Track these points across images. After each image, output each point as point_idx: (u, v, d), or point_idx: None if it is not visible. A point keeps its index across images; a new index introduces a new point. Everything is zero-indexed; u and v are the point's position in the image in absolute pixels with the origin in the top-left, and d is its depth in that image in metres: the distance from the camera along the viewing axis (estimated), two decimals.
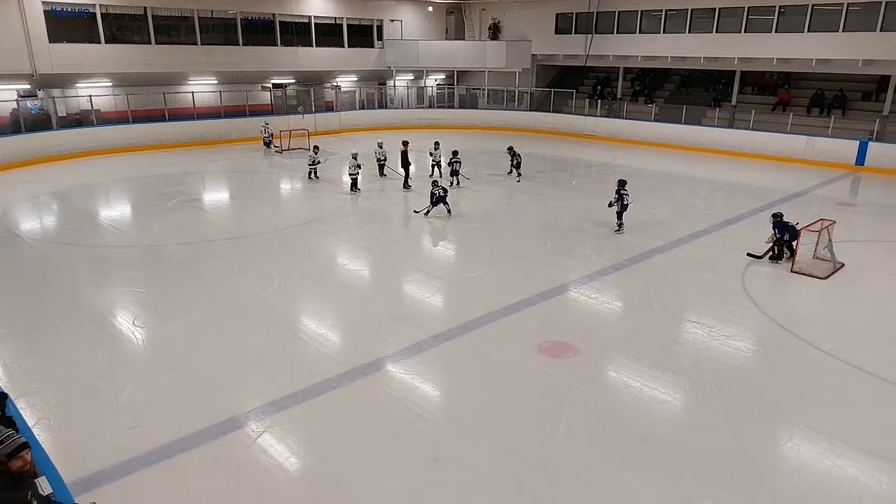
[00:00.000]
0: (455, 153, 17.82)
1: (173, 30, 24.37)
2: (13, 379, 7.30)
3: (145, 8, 23.05)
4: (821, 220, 11.28)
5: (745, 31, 24.12)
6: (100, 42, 22.23)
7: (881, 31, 20.94)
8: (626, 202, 13.31)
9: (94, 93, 22.38)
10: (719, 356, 8.25)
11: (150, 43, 23.42)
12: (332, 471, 5.95)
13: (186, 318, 9.20)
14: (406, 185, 17.50)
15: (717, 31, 24.89)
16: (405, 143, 17.75)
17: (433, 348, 8.31)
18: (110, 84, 23.35)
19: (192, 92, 24.50)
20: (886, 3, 20.61)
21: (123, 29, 23.19)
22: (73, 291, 10.29)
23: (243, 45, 25.84)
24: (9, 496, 3.45)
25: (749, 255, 11.98)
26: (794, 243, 11.32)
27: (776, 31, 23.32)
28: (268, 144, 23.60)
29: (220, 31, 25.49)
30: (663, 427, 6.68)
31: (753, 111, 24.27)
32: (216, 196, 17.74)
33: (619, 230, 13.47)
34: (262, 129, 23.78)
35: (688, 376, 7.68)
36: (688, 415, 7.06)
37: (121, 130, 22.62)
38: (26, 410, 6.42)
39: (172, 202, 15.95)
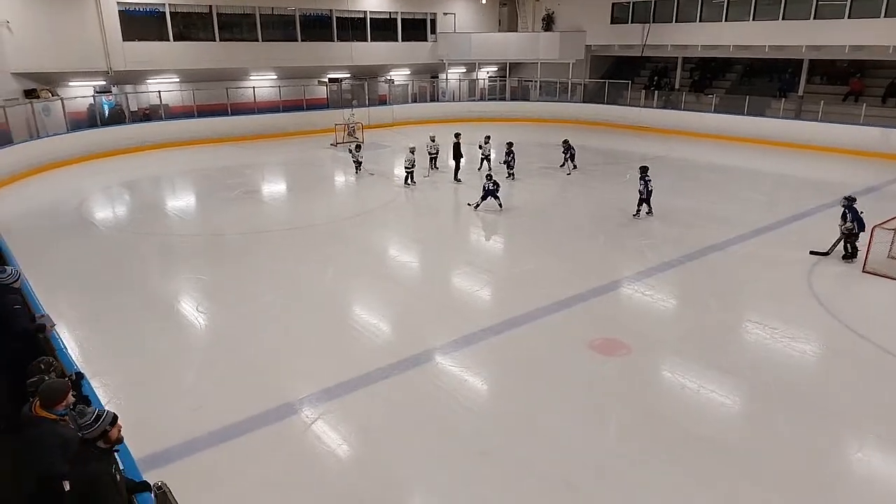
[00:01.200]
0: (510, 145, 17.80)
1: (236, 27, 25.18)
2: (87, 360, 7.77)
3: (210, 6, 23.91)
4: None
5: (814, 18, 22.88)
6: (168, 40, 23.23)
7: None
8: (650, 188, 13.48)
9: (163, 88, 23.41)
10: (782, 359, 7.93)
11: (214, 40, 24.29)
12: (381, 459, 6.08)
13: (245, 306, 9.56)
14: (456, 178, 17.55)
15: (783, 18, 23.71)
16: (457, 136, 17.79)
17: (483, 341, 8.34)
18: (178, 80, 24.36)
19: (254, 87, 25.27)
20: None
21: (190, 27, 24.13)
22: (140, 278, 10.84)
23: (301, 40, 26.43)
24: (102, 468, 3.70)
25: (812, 252, 11.43)
26: (860, 238, 10.73)
27: (849, 17, 22.02)
28: (352, 133, 24.00)
29: (279, 27, 26.16)
30: (720, 430, 6.49)
31: (822, 102, 23.00)
32: (274, 188, 18.28)
33: (637, 215, 13.74)
34: (348, 119, 24.26)
35: (747, 379, 7.42)
36: (746, 419, 6.82)
37: (186, 124, 23.61)
38: (99, 390, 6.76)
39: (233, 193, 16.54)
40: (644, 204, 13.78)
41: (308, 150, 22.90)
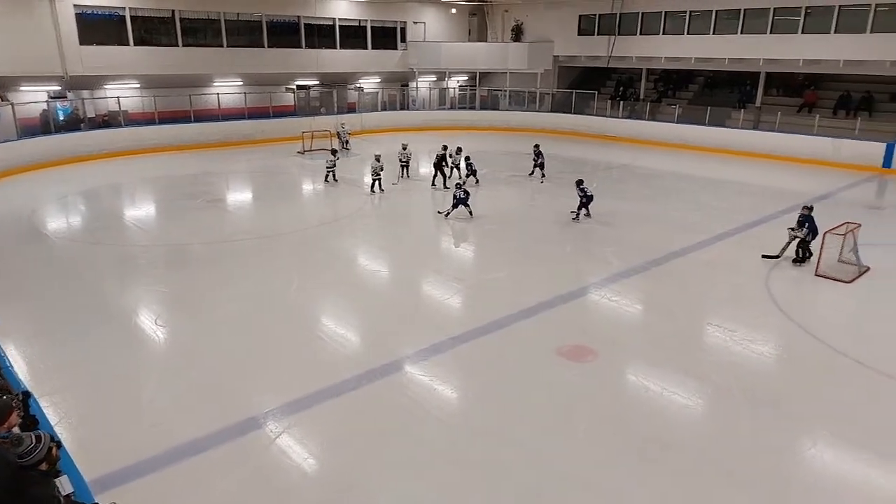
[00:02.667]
0: (467, 158, 18.22)
1: (200, 32, 24.77)
2: (37, 378, 7.46)
3: (173, 11, 23.47)
4: (846, 223, 11.07)
5: (770, 32, 23.73)
6: (128, 44, 22.69)
7: None
8: (588, 192, 14.38)
9: (123, 94, 22.84)
10: (742, 361, 8.13)
11: (177, 45, 23.84)
12: (350, 472, 5.99)
13: (208, 318, 9.36)
14: (434, 185, 17.92)
15: (742, 32, 24.53)
16: (445, 148, 18.19)
17: (452, 350, 8.33)
18: (138, 86, 23.81)
19: (218, 93, 24.87)
20: None
21: (151, 31, 23.65)
22: (97, 290, 10.49)
23: (268, 47, 26.16)
24: (45, 492, 3.54)
25: (764, 256, 11.81)
26: (813, 245, 11.13)
27: (802, 32, 22.90)
28: (345, 145, 23.73)
29: (245, 33, 25.85)
30: (684, 433, 6.62)
31: (779, 113, 23.85)
32: (239, 196, 17.99)
33: (576, 219, 14.49)
34: (340, 129, 24.05)
35: (710, 381, 7.59)
36: (710, 420, 6.98)
37: (147, 131, 23.02)
38: (49, 409, 6.52)
39: (197, 202, 16.22)
40: (583, 208, 14.51)
41: (275, 158, 22.62)
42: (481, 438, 6.49)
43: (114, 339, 8.60)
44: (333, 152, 18.82)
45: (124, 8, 22.31)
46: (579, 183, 14.60)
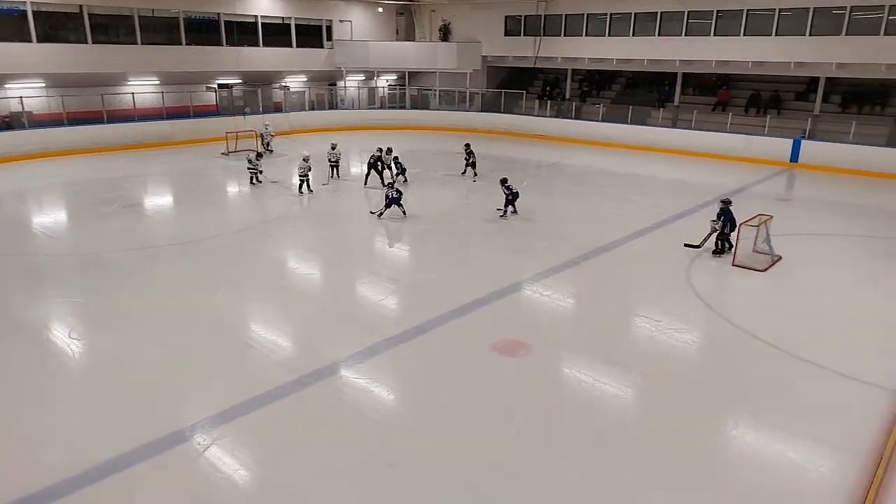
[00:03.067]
0: (389, 150, 18.25)
1: (112, 29, 23.37)
2: None
3: (81, 6, 22.01)
4: (759, 214, 11.76)
5: (685, 34, 24.96)
6: (31, 41, 21.09)
7: (810, 35, 22.05)
8: (514, 190, 14.62)
9: (26, 94, 21.24)
10: (667, 349, 8.47)
11: (86, 42, 22.37)
12: (284, 481, 5.79)
13: (128, 329, 8.82)
14: (366, 184, 17.82)
15: (659, 35, 25.66)
16: (380, 150, 18.03)
17: (387, 351, 8.23)
18: (43, 84, 22.20)
19: (133, 93, 23.57)
20: (814, 9, 21.70)
21: (57, 27, 22.08)
22: (4, 303, 9.69)
23: (186, 44, 25.02)
24: None
25: (686, 245, 12.38)
26: (731, 236, 11.74)
27: (714, 35, 24.23)
28: (267, 147, 22.52)
29: (161, 30, 24.60)
30: (615, 421, 6.81)
31: (695, 111, 25.13)
32: (159, 200, 17.11)
33: (504, 216, 14.70)
34: (264, 130, 22.92)
35: (638, 370, 7.86)
36: (639, 408, 7.22)
37: (55, 133, 21.50)
38: None
39: (112, 207, 15.30)
40: (510, 205, 14.75)
41: (197, 160, 21.68)
42: (418, 438, 6.43)
43: (23, 354, 7.99)
44: (258, 155, 18.22)
45: (25, 2, 20.74)
46: (504, 181, 14.83)
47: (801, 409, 7.08)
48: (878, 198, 17.82)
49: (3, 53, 20.48)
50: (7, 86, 21.46)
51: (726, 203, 12.08)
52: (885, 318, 9.52)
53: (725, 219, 11.86)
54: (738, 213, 12.05)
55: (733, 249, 11.72)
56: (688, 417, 6.87)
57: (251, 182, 17.69)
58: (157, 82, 24.90)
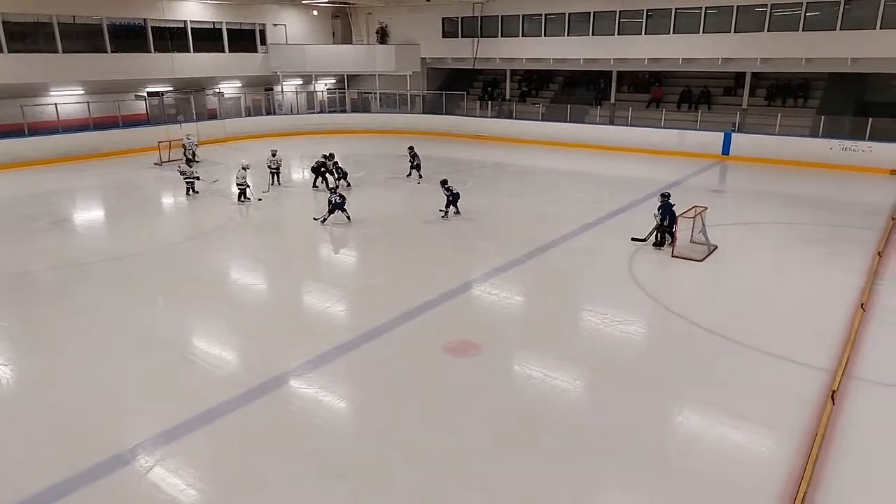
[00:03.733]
0: (332, 157, 18.08)
1: (29, 36, 22.11)
2: None
3: None
4: (695, 206, 12.20)
5: (618, 34, 25.72)
6: None
7: (735, 32, 23.12)
8: (454, 191, 14.75)
9: None
10: (613, 341, 8.67)
11: (2, 51, 21.10)
12: (232, 499, 5.59)
13: (59, 351, 8.34)
14: (315, 187, 17.85)
15: (593, 34, 26.33)
16: (324, 156, 17.92)
17: (337, 359, 8.08)
18: None
19: (56, 104, 22.35)
20: (738, 7, 22.77)
21: None
22: None
23: (112, 51, 23.94)
24: None
25: (633, 239, 12.72)
26: (673, 228, 12.14)
27: (645, 34, 25.07)
28: (192, 158, 21.24)
29: (84, 37, 23.42)
30: (566, 415, 6.91)
31: (630, 108, 25.92)
32: (88, 215, 16.28)
33: (445, 216, 14.79)
34: (186, 141, 21.81)
35: (586, 363, 8.01)
36: (588, 400, 7.36)
37: None
38: None
39: (38, 224, 14.45)
40: (451, 206, 14.85)
41: (128, 171, 20.77)
42: (370, 445, 6.33)
43: None
44: (188, 161, 17.59)
45: None
46: (444, 182, 14.93)
47: (740, 392, 7.36)
48: (804, 186, 18.85)
49: None
50: None
51: (665, 197, 12.47)
52: (816, 301, 10.03)
53: (665, 212, 12.24)
54: (676, 205, 12.46)
55: (672, 241, 12.12)
56: (635, 406, 7.04)
57: (188, 193, 17.05)
58: (83, 92, 23.71)
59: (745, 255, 12.22)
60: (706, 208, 12.28)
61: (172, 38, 25.79)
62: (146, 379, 7.63)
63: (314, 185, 17.91)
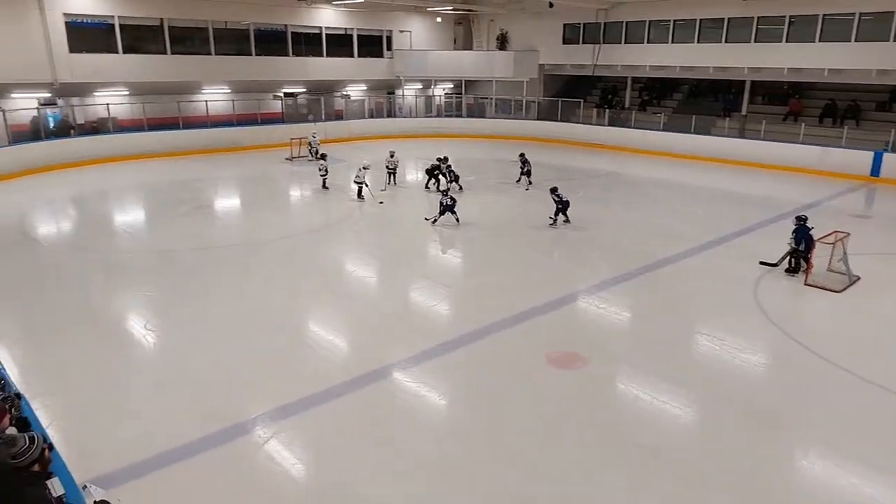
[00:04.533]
0: (445, 159, 18.45)
1: (188, 40, 24.69)
2: (28, 381, 7.34)
3: (162, 19, 23.41)
4: (835, 232, 11.09)
5: (754, 41, 24.06)
6: (117, 52, 22.59)
7: (895, 40, 20.80)
8: (563, 198, 14.54)
9: (112, 101, 22.70)
10: (731, 369, 8.14)
11: (165, 53, 23.76)
12: (336, 478, 5.93)
13: (196, 323, 9.27)
14: (427, 188, 18.29)
15: (726, 41, 24.84)
16: (439, 159, 18.43)
17: (440, 357, 8.29)
18: (127, 93, 23.68)
19: (206, 101, 24.78)
20: None
21: (140, 39, 23.54)
22: (86, 295, 10.39)
23: (256, 55, 26.14)
24: (37, 493, 3.50)
25: (762, 263, 11.84)
26: (809, 255, 11.14)
27: (787, 41, 23.25)
28: (317, 156, 22.53)
29: (233, 41, 25.81)
30: (674, 441, 6.60)
31: (764, 121, 24.11)
32: (228, 203, 17.89)
33: (553, 224, 14.66)
34: (311, 139, 23.54)
35: (699, 390, 7.59)
36: (699, 429, 6.97)
37: (136, 138, 22.92)
38: (40, 412, 6.42)
39: (185, 208, 16.10)
40: (561, 214, 14.64)
41: (263, 165, 22.54)
42: (469, 446, 6.45)
43: (103, 342, 8.53)
44: (322, 157, 18.80)
45: (113, 16, 22.24)
46: (554, 190, 14.76)
47: (877, 440, 6.63)
48: None
49: (93, 64, 22.01)
50: (96, 94, 23.00)
51: (801, 220, 11.42)
52: None
53: (800, 236, 11.20)
54: (814, 229, 11.42)
55: (807, 268, 11.12)
56: (752, 443, 6.54)
57: (323, 186, 18.16)
58: (228, 91, 26.09)
59: (892, 289, 10.99)
60: (848, 234, 11.13)
61: (308, 43, 27.67)
62: (268, 356, 8.27)
63: (426, 186, 18.43)
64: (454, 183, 17.93)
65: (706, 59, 25.47)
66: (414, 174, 21.22)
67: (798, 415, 7.16)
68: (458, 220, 14.59)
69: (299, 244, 13.48)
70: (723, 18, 24.68)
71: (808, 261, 11.13)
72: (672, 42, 26.46)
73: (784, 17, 23.07)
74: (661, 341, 8.97)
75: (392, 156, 18.81)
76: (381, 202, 16.97)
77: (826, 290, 10.76)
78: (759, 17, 23.69)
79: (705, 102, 28.17)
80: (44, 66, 20.75)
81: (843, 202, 18.00)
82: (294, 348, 8.52)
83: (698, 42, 25.63)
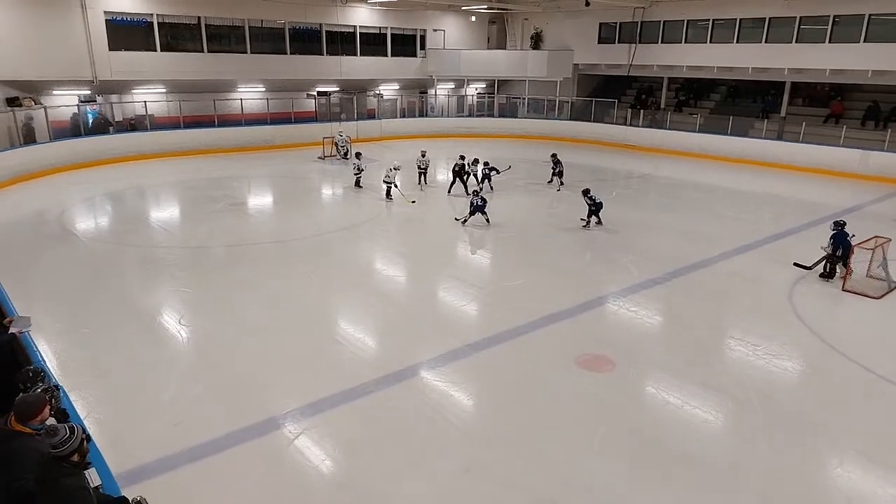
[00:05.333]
0: (481, 162, 18.33)
1: (224, 38, 25.15)
2: (66, 372, 7.62)
3: (199, 18, 23.90)
4: (875, 237, 10.84)
5: (796, 41, 23.42)
6: (155, 50, 23.13)
7: None
8: (597, 200, 14.46)
9: (149, 99, 23.27)
10: (765, 375, 7.99)
11: (202, 51, 24.24)
12: (365, 475, 6.00)
13: (229, 319, 9.45)
14: (450, 192, 18.01)
15: (766, 41, 24.25)
16: (463, 158, 18.25)
17: (468, 357, 8.31)
18: (164, 90, 24.25)
19: (241, 99, 25.22)
20: None
21: (178, 38, 24.07)
22: (123, 289, 10.68)
23: (290, 53, 26.49)
24: (77, 482, 3.62)
25: (796, 265, 11.58)
26: (847, 260, 10.83)
27: (829, 42, 22.57)
28: (345, 156, 23.11)
29: (268, 39, 26.19)
30: (703, 446, 6.51)
31: (804, 123, 23.47)
32: (261, 200, 18.18)
33: (586, 226, 14.58)
34: (338, 138, 23.72)
35: (731, 395, 7.47)
36: (730, 435, 6.85)
37: (172, 135, 23.44)
38: (77, 403, 6.64)
39: (219, 205, 16.42)
40: (593, 216, 14.54)
41: (295, 163, 22.84)
42: (496, 446, 6.45)
43: (139, 336, 8.75)
44: (357, 155, 18.92)
45: (152, 15, 22.77)
46: (586, 192, 14.60)
47: None
48: None
49: (132, 61, 22.58)
50: (134, 91, 23.61)
51: (840, 225, 11.15)
52: None
53: (838, 241, 10.93)
54: (852, 234, 11.12)
55: (845, 274, 10.83)
56: (785, 450, 6.44)
57: (357, 185, 18.31)
58: (263, 89, 26.49)
59: None
60: (889, 240, 10.84)
61: (342, 42, 27.93)
62: (298, 352, 8.40)
63: (448, 192, 17.99)
64: (486, 181, 17.85)
65: (745, 59, 24.92)
66: (444, 174, 21.24)
67: (834, 423, 7.00)
68: (488, 220, 14.57)
69: (330, 242, 13.63)
70: (764, 18, 24.10)
71: (846, 266, 10.84)
72: (710, 42, 25.94)
73: (828, 16, 22.42)
74: (692, 345, 8.84)
75: (423, 155, 18.85)
76: (414, 201, 17.00)
77: (864, 296, 10.51)
78: (801, 17, 23.07)
79: (743, 104, 27.57)
80: (84, 64, 21.35)
81: (884, 207, 17.44)
82: (325, 345, 8.63)
83: (738, 42, 25.08)
